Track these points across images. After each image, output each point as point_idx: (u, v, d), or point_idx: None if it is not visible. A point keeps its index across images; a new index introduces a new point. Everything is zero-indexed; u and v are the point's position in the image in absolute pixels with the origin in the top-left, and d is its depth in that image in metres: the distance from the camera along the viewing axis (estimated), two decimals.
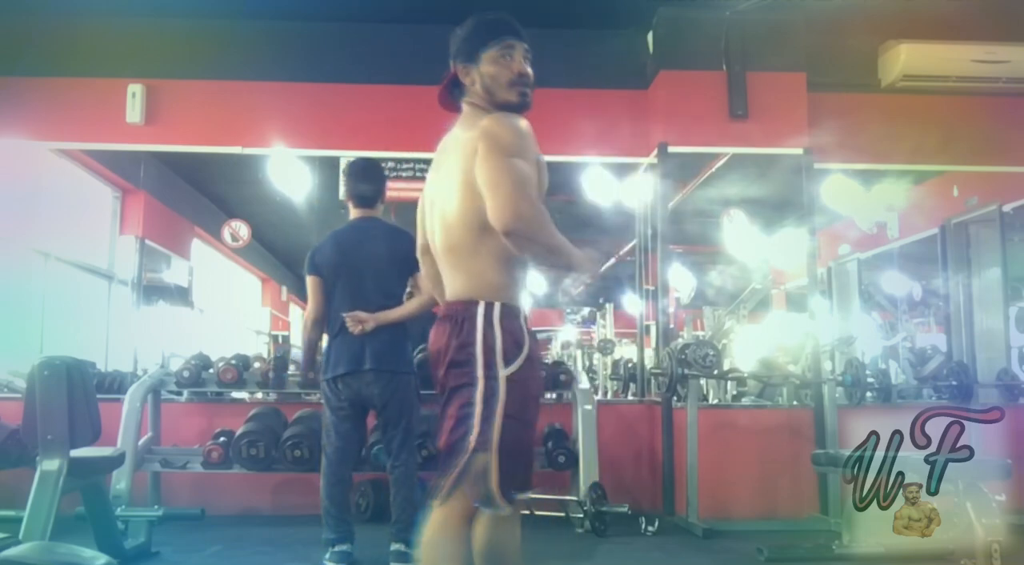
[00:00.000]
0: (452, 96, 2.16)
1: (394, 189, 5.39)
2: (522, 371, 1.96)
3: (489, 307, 1.97)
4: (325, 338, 3.87)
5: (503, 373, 1.93)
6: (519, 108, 2.08)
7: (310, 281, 3.80)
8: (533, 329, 2.09)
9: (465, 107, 2.14)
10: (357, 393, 3.68)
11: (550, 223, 1.91)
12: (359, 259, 3.72)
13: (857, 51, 5.88)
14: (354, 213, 3.88)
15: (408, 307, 3.72)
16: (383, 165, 4.85)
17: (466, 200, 1.97)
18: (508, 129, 1.95)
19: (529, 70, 2.10)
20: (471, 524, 1.98)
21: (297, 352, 10.62)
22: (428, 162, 6.68)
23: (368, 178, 3.89)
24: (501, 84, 2.06)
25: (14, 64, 5.57)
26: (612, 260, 9.75)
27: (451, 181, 2.02)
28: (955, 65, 5.73)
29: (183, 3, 5.65)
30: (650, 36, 5.84)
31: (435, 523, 1.95)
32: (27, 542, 2.39)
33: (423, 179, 6.95)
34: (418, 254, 2.30)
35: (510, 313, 1.99)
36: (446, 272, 2.08)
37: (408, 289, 3.83)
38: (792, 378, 5.63)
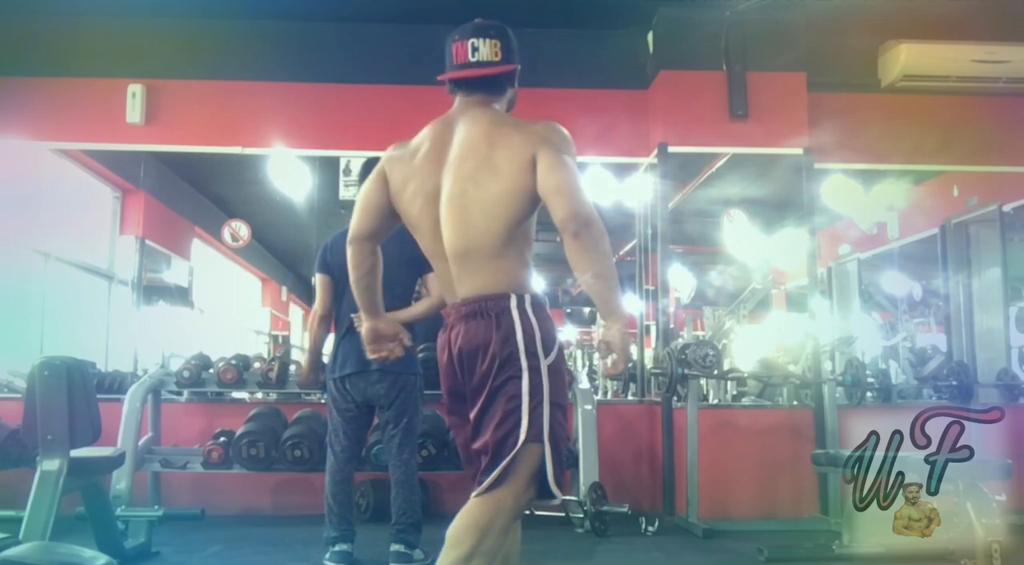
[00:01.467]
0: (488, 83, 2.12)
1: None
2: (558, 359, 2.00)
3: (522, 299, 1.99)
4: (330, 338, 3.86)
5: (545, 363, 1.96)
6: None
7: (320, 279, 3.79)
8: None
9: (480, 103, 2.11)
10: (363, 393, 3.69)
11: None
12: None
13: (857, 51, 5.87)
14: None
15: (417, 309, 3.71)
16: None
17: (508, 204, 1.97)
18: (567, 138, 2.03)
19: None
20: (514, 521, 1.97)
21: (297, 352, 10.65)
22: None
23: None
24: (514, 101, 2.20)
25: (14, 64, 5.57)
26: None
27: (487, 181, 1.98)
28: (955, 65, 5.72)
29: (183, 3, 5.65)
30: (650, 36, 5.84)
31: (479, 512, 1.92)
32: (27, 542, 2.40)
33: None
34: (353, 237, 2.19)
35: (541, 304, 2.02)
36: (464, 269, 2.02)
37: (416, 291, 3.82)
38: (792, 378, 5.63)
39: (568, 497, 4.67)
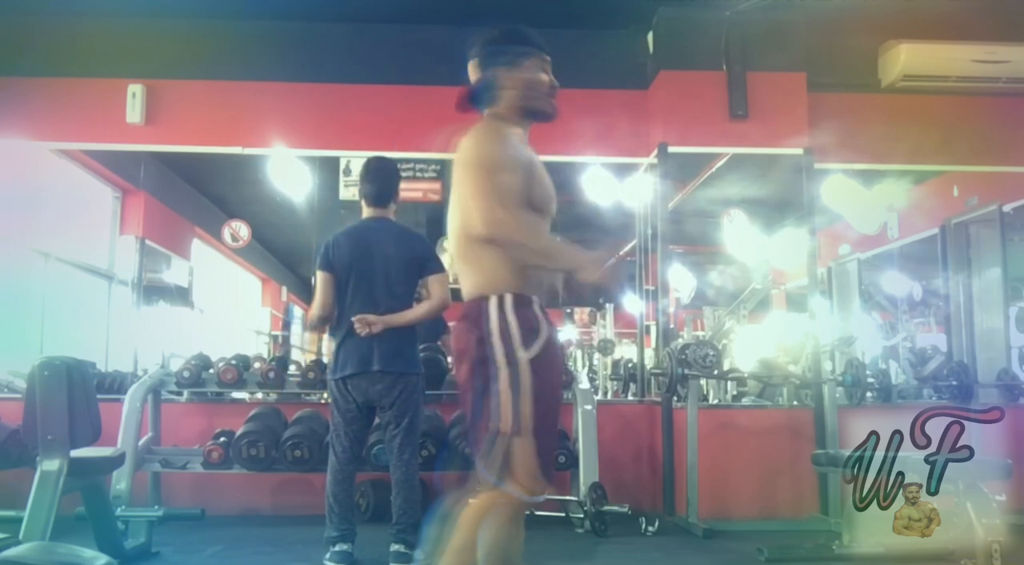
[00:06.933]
0: (472, 101, 2.18)
1: None
2: (543, 355, 2.00)
3: (500, 299, 2.02)
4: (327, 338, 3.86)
5: (524, 357, 1.98)
6: (550, 117, 2.18)
7: (322, 277, 3.75)
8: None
9: (481, 117, 2.15)
10: (365, 394, 3.69)
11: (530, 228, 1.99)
12: (371, 260, 3.69)
13: (857, 51, 5.87)
14: (367, 212, 3.85)
15: (417, 310, 3.71)
16: None
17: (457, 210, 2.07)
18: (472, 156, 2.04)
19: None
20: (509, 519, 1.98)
21: (297, 352, 10.64)
22: (428, 162, 6.59)
23: (381, 178, 3.85)
24: (542, 93, 2.15)
25: (14, 64, 5.57)
26: (613, 258, 9.75)
27: (456, 189, 2.07)
28: (955, 65, 5.72)
29: (183, 3, 5.65)
30: (650, 36, 5.84)
31: (473, 508, 1.96)
32: (27, 542, 2.40)
33: (423, 179, 6.84)
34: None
35: (521, 301, 2.04)
36: (460, 275, 2.14)
37: (417, 292, 3.81)
38: (792, 378, 5.63)
39: (568, 497, 4.68)
